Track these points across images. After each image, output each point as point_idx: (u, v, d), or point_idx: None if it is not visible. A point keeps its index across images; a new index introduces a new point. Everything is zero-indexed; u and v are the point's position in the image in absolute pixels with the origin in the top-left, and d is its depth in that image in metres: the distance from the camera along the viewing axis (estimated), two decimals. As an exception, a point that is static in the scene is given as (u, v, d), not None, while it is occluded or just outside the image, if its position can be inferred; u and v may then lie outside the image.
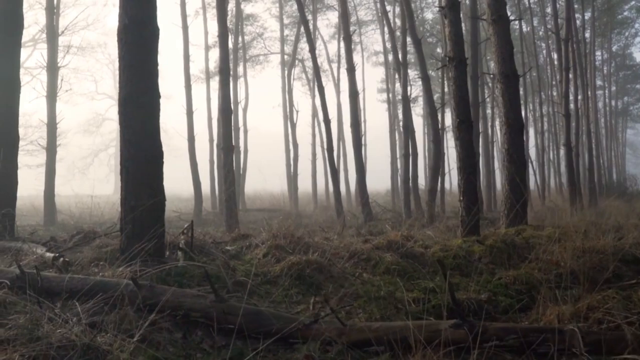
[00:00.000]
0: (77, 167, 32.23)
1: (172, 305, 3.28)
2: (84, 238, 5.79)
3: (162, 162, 4.46)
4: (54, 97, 12.94)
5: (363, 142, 26.08)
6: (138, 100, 4.24)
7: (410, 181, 14.60)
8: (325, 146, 25.39)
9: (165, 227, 4.72)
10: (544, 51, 31.18)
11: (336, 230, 6.72)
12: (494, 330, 3.22)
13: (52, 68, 13.00)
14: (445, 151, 32.40)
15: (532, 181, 22.33)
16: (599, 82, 35.75)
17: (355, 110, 13.78)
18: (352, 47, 28.47)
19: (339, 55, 25.82)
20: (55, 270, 4.00)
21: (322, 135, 25.15)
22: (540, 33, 29.65)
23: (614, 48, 38.00)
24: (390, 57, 28.03)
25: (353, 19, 28.06)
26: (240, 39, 21.96)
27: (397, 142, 27.29)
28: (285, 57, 24.99)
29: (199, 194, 15.09)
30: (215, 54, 23.57)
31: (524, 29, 25.40)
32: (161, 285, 3.45)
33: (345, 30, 13.74)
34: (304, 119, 21.76)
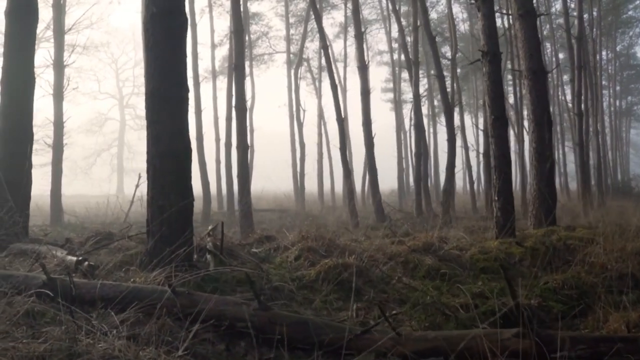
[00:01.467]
0: (79, 167, 31.98)
1: (213, 314, 3.02)
2: (102, 240, 5.52)
3: (191, 160, 4.20)
4: (60, 95, 12.68)
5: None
6: (166, 95, 3.98)
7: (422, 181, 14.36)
8: (328, 146, 25.25)
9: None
10: (548, 50, 30.96)
11: (362, 231, 6.46)
12: (562, 340, 2.96)
13: (59, 66, 12.74)
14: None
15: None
16: (603, 82, 35.56)
17: (367, 108, 13.54)
18: (349, 50, 28.39)
19: (345, 54, 25.60)
20: (80, 275, 3.74)
21: (327, 135, 24.91)
22: (545, 32, 29.43)
23: (618, 48, 37.83)
24: (396, 55, 27.85)
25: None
26: (246, 37, 21.70)
27: (403, 142, 27.07)
28: (291, 56, 24.76)
29: (208, 194, 14.82)
30: (220, 53, 23.34)
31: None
32: (199, 292, 3.19)
33: (357, 28, 13.49)
34: (308, 119, 21.49)
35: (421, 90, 29.18)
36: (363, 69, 13.51)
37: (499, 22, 18.83)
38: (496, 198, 5.58)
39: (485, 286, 4.33)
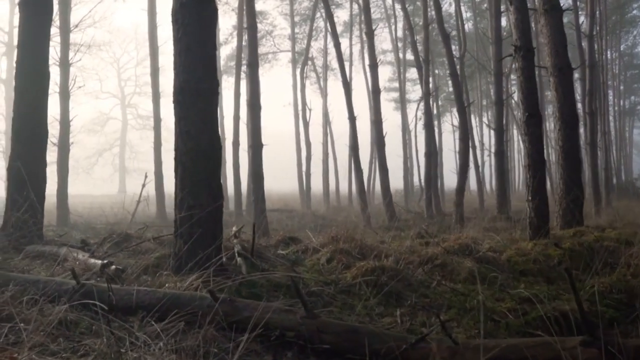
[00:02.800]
0: (81, 167, 31.72)
1: (257, 323, 2.81)
2: (121, 242, 5.30)
3: (221, 158, 3.98)
4: (66, 93, 12.44)
5: (372, 142, 25.75)
6: (197, 88, 3.76)
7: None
8: (333, 145, 25.04)
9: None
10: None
11: (388, 232, 6.25)
12: (633, 349, 2.75)
13: (65, 64, 12.51)
14: (451, 151, 32.00)
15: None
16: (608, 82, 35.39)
17: (377, 107, 13.32)
18: (360, 47, 28.17)
19: (350, 53, 25.38)
20: (106, 279, 3.51)
21: (332, 135, 24.71)
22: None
23: (622, 47, 37.70)
24: (400, 54, 27.61)
25: (357, 19, 27.60)
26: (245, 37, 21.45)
27: (408, 141, 26.85)
28: (295, 55, 24.53)
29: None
30: (223, 52, 23.09)
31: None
32: (240, 298, 2.97)
33: (368, 25, 13.28)
34: (312, 118, 21.26)
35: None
36: (373, 67, 13.31)
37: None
38: (530, 198, 5.37)
39: (529, 290, 4.13)
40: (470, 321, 3.51)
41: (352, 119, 11.90)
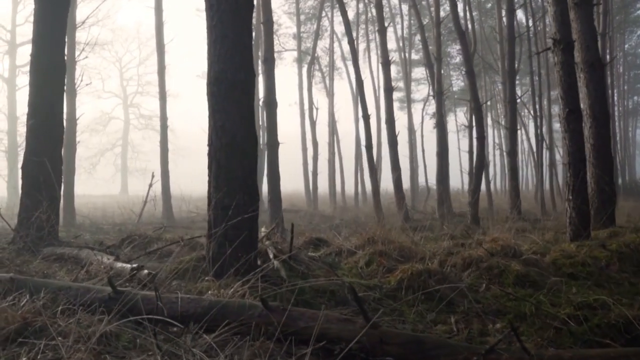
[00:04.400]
0: (83, 167, 31.41)
1: (314, 333, 2.55)
2: (141, 244, 5.04)
3: (257, 154, 3.72)
4: (73, 92, 12.17)
5: (379, 142, 25.51)
6: (233, 78, 3.50)
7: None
8: (339, 145, 24.77)
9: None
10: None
11: (419, 233, 6.00)
12: None
13: (71, 62, 12.23)
14: (458, 150, 31.76)
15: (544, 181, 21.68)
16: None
17: (390, 105, 13.07)
18: (365, 45, 27.93)
19: (356, 51, 25.07)
20: (138, 285, 3.25)
21: (337, 134, 24.44)
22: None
23: (626, 47, 37.55)
24: (405, 54, 27.36)
25: (363, 17, 27.37)
26: (254, 34, 21.20)
27: (414, 141, 26.59)
28: (301, 54, 24.27)
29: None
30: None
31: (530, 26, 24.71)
32: (294, 307, 2.70)
33: (380, 22, 13.03)
34: (317, 118, 20.95)
35: (425, 88, 28.76)
36: (386, 64, 13.05)
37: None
38: (570, 197, 5.12)
39: (581, 294, 3.88)
40: (529, 328, 3.26)
41: (366, 117, 11.65)
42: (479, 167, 11.80)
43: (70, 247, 4.60)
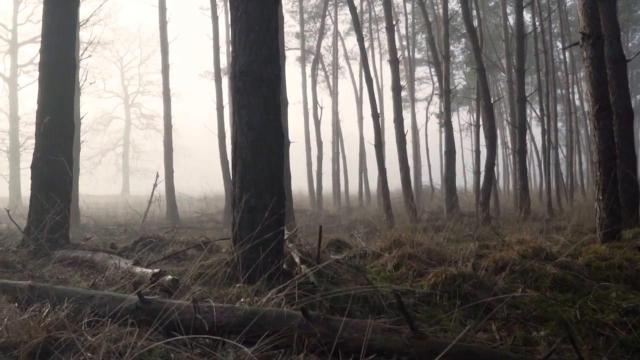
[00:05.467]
0: (84, 167, 31.16)
1: (358, 345, 2.36)
2: (155, 246, 4.85)
3: (284, 153, 3.54)
4: (77, 91, 11.97)
5: (384, 141, 25.29)
6: (260, 72, 3.31)
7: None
8: (342, 145, 24.59)
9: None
10: (559, 46, 30.35)
11: (435, 233, 5.81)
12: None
13: (75, 60, 12.03)
14: (461, 149, 31.57)
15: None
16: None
17: (398, 104, 12.89)
18: (369, 44, 27.71)
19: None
20: (162, 292, 3.06)
21: (341, 134, 24.23)
22: (555, 31, 28.82)
23: (629, 45, 37.42)
24: (407, 53, 27.17)
25: (366, 16, 27.17)
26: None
27: (417, 140, 26.42)
28: (299, 52, 24.07)
29: (230, 193, 14.09)
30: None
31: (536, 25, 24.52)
32: (334, 316, 2.52)
33: (388, 20, 12.85)
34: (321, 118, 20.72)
35: (431, 89, 28.57)
36: (394, 63, 12.86)
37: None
38: (600, 197, 4.94)
39: (623, 299, 3.69)
40: (577, 336, 3.07)
41: (375, 115, 11.46)
42: (489, 166, 11.62)
43: (84, 251, 4.41)
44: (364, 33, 27.22)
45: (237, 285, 2.90)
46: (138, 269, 3.46)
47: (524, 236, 5.36)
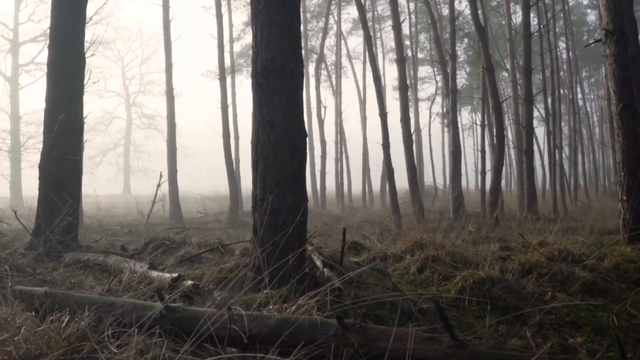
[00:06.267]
0: (85, 167, 30.98)
1: (398, 355, 2.23)
2: (169, 249, 4.71)
3: (306, 152, 3.40)
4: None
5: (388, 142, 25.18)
6: (283, 68, 3.17)
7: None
8: (345, 145, 24.46)
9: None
10: (562, 46, 30.24)
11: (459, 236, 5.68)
12: None
13: (79, 58, 11.89)
14: (462, 150, 31.44)
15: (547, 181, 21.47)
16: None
17: (405, 104, 12.75)
18: (374, 41, 27.57)
19: (364, 49, 24.78)
20: (182, 298, 2.92)
21: (344, 133, 24.11)
22: (557, 30, 28.68)
23: (633, 44, 37.22)
24: (411, 52, 27.05)
25: (369, 15, 27.02)
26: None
27: (421, 140, 26.32)
28: (307, 52, 23.89)
29: (236, 195, 13.96)
30: (236, 48, 22.47)
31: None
32: (372, 324, 2.38)
33: (395, 18, 12.70)
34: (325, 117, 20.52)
35: (432, 89, 28.44)
36: (401, 62, 12.73)
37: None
38: (624, 198, 4.81)
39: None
40: (615, 343, 2.94)
41: (383, 115, 11.33)
42: (498, 166, 11.50)
43: (95, 253, 4.27)
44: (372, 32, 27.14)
45: (265, 291, 2.76)
46: (154, 273, 3.32)
47: (547, 238, 5.23)
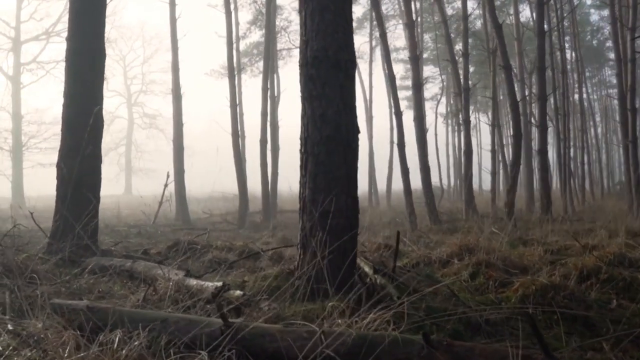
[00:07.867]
0: (87, 168, 30.70)
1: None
2: (195, 254, 4.45)
3: (358, 149, 3.15)
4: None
5: (391, 140, 24.95)
6: (336, 58, 2.92)
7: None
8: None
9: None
10: (567, 44, 30.02)
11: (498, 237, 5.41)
12: None
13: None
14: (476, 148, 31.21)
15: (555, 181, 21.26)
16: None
17: (418, 102, 12.52)
18: (374, 44, 27.36)
19: (370, 49, 24.59)
20: (231, 311, 2.66)
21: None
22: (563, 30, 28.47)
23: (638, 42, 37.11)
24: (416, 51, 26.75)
25: (370, 15, 26.78)
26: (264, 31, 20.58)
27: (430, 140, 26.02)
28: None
29: (245, 193, 13.66)
30: (241, 47, 22.18)
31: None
32: (458, 341, 2.13)
33: (408, 16, 12.45)
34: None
35: (436, 89, 28.22)
36: (415, 59, 12.46)
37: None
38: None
39: None
40: None
41: (398, 113, 11.08)
42: (514, 166, 11.27)
43: (120, 258, 4.01)
44: (372, 31, 26.91)
45: (331, 304, 2.49)
46: (193, 282, 3.06)
47: (597, 240, 4.99)
